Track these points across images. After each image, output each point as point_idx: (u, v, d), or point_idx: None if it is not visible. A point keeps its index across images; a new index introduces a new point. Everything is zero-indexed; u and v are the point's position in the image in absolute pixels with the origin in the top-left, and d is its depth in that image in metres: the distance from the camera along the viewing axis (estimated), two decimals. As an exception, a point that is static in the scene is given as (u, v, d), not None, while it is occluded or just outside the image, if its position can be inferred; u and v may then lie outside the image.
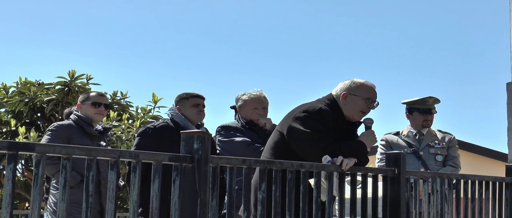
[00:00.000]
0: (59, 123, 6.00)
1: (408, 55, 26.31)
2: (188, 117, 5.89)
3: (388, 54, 26.18)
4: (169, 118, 5.99)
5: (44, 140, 5.82)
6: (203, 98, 6.02)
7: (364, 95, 4.86)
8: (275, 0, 24.40)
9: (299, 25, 25.17)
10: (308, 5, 24.38)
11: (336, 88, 4.93)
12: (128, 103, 12.12)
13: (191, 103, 5.95)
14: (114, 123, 10.96)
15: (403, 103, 6.88)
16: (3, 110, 11.63)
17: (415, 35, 26.05)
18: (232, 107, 6.60)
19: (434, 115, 6.78)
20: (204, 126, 6.05)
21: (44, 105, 11.33)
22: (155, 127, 5.87)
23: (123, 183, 7.33)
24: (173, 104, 6.02)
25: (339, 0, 24.79)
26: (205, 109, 6.00)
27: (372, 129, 4.92)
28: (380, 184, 4.83)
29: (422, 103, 6.75)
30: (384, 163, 5.42)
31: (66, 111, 6.34)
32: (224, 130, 6.03)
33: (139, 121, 11.28)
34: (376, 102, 4.89)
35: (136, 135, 6.18)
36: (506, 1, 5.95)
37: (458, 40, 26.10)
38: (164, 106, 12.04)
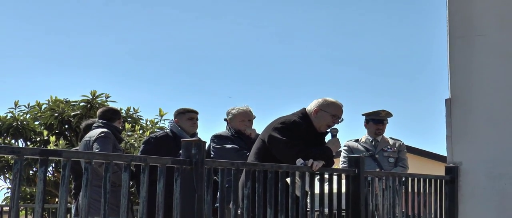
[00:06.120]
0: (105, 130, 5.69)
1: (366, 75, 26.43)
2: (184, 128, 5.94)
3: (348, 76, 26.28)
4: (169, 129, 6.04)
5: (99, 143, 5.51)
6: (196, 113, 6.07)
7: (332, 112, 4.87)
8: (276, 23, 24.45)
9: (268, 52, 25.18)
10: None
11: (311, 104, 4.93)
12: (139, 117, 12.09)
13: (186, 117, 5.99)
14: (128, 133, 10.95)
15: (363, 115, 6.91)
16: (37, 122, 11.61)
17: (367, 59, 26.17)
18: (225, 119, 6.59)
19: (386, 124, 6.81)
20: (198, 136, 6.07)
21: (71, 119, 11.31)
22: (156, 137, 5.94)
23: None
24: (173, 118, 6.07)
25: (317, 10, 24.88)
26: (198, 121, 6.06)
27: (337, 137, 4.92)
28: (343, 182, 4.84)
29: (376, 115, 6.78)
30: (346, 165, 5.42)
31: (84, 123, 6.29)
32: (217, 138, 6.03)
33: (148, 131, 11.26)
34: (341, 119, 4.91)
35: (142, 142, 6.19)
36: (443, 26, 5.91)
37: (405, 62, 26.26)
38: (169, 119, 12.01)
